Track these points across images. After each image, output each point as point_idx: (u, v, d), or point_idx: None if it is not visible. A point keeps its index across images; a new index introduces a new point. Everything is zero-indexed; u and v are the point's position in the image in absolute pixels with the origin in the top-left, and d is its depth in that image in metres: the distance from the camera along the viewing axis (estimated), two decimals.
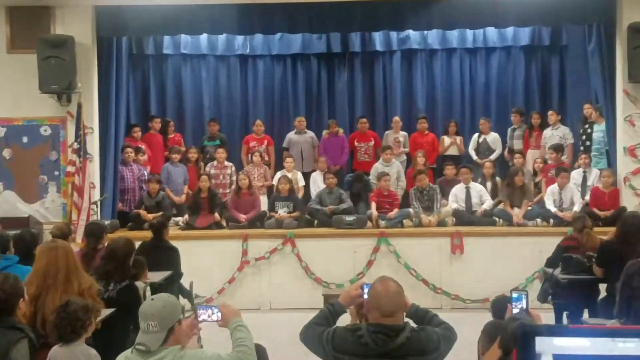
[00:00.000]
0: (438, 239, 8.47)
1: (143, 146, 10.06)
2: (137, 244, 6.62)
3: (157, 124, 10.59)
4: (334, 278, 8.38)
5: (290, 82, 11.72)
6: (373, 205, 8.99)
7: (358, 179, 9.99)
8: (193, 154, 10.31)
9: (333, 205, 9.09)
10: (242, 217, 9.02)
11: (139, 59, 11.16)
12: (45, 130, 9.00)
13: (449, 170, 9.72)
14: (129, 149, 9.57)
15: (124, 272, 5.12)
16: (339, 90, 11.67)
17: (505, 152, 10.52)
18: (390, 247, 8.41)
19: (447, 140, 10.74)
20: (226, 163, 10.20)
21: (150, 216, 8.86)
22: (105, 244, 5.69)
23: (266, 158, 10.55)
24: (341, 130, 10.84)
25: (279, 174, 9.81)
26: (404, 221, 8.97)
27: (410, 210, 9.00)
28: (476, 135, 10.68)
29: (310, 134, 10.87)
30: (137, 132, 10.20)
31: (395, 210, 8.94)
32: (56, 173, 9.00)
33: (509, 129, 10.62)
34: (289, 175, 9.71)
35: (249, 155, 10.42)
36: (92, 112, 9.00)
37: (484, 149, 10.50)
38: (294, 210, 9.05)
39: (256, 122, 10.85)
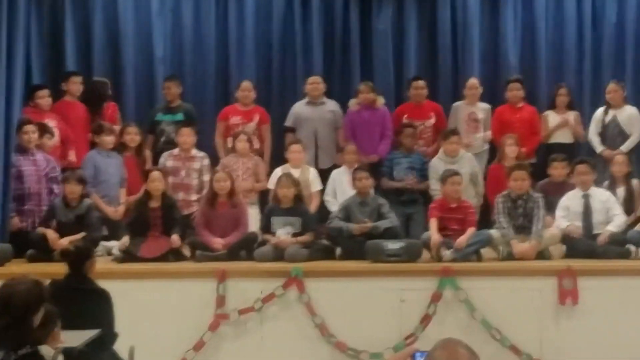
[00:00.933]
0: (537, 281, 8.41)
1: (53, 122, 10.07)
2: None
3: (75, 85, 10.62)
4: (367, 343, 8.31)
5: (299, 21, 11.78)
6: (433, 224, 8.96)
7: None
8: (132, 136, 10.33)
9: (367, 224, 9.07)
10: (218, 242, 9.01)
11: None
12: None
13: (558, 169, 9.70)
14: (29, 127, 9.55)
15: (24, 333, 5.09)
16: (379, 34, 11.71)
17: None
18: (459, 294, 8.34)
19: (554, 118, 10.77)
20: (194, 152, 10.25)
21: (65, 239, 8.78)
22: None
23: (257, 145, 10.58)
24: (381, 100, 10.85)
25: (278, 171, 9.83)
26: (483, 251, 8.94)
27: (494, 232, 8.97)
28: (600, 110, 10.68)
29: (330, 105, 10.92)
30: (44, 99, 10.21)
31: (470, 232, 8.91)
32: None
33: None
34: (296, 173, 9.72)
35: (229, 139, 10.46)
36: None
37: (613, 133, 10.52)
38: (302, 232, 9.05)
39: (242, 84, 10.92)
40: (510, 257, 8.79)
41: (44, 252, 8.90)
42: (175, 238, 9.06)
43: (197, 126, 10.64)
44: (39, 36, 11.10)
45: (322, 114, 10.80)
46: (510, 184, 9.13)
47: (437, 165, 9.96)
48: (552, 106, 10.88)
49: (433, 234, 8.87)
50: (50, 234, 9.03)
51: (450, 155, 9.97)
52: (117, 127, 10.44)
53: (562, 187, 9.47)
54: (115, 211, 9.88)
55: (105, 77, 11.12)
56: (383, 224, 9.07)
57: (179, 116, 10.73)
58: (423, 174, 10.19)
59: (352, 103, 10.79)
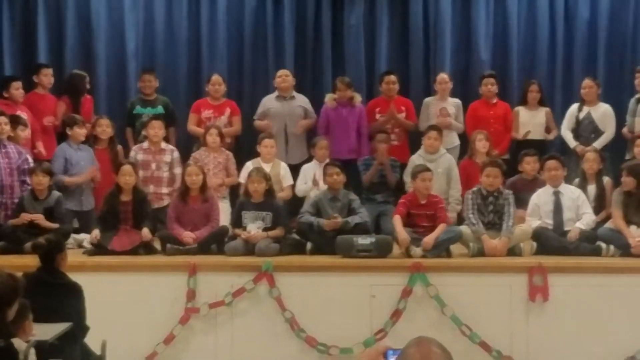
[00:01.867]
0: (508, 277, 8.45)
1: (24, 114, 10.05)
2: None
3: (47, 77, 10.63)
4: (337, 338, 8.33)
5: (271, 15, 11.80)
6: (397, 221, 8.92)
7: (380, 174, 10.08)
8: (104, 129, 10.29)
9: (337, 219, 9.10)
10: (189, 235, 9.00)
11: None
12: None
13: (529, 164, 9.75)
14: (1, 118, 9.52)
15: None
16: (350, 29, 11.74)
17: (625, 132, 10.59)
18: (429, 289, 8.36)
19: (525, 114, 10.85)
20: (163, 145, 10.26)
21: (40, 219, 8.91)
22: None
23: (229, 139, 10.57)
24: (358, 97, 10.89)
25: (249, 165, 9.83)
26: (453, 247, 8.97)
27: (464, 228, 9.01)
28: (575, 107, 10.75)
29: (300, 99, 10.96)
30: (17, 90, 10.21)
31: (440, 228, 8.93)
32: None
33: (632, 100, 10.67)
34: (267, 167, 9.73)
35: (201, 134, 10.46)
36: None
37: (586, 130, 10.60)
38: (273, 227, 9.05)
39: (212, 78, 10.93)
40: (480, 253, 8.79)
41: (15, 244, 8.87)
42: (145, 231, 9.04)
43: (176, 119, 10.77)
44: (11, 28, 11.10)
45: (292, 109, 10.84)
46: (483, 180, 9.13)
47: (416, 161, 9.95)
48: (524, 102, 10.94)
49: (400, 233, 8.81)
50: (22, 224, 9.03)
51: (429, 151, 10.00)
52: (79, 119, 10.32)
53: (533, 184, 9.51)
54: (91, 173, 9.91)
55: (77, 70, 11.05)
56: (353, 220, 9.06)
57: (159, 109, 10.77)
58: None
59: (329, 98, 10.81)
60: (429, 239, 8.72)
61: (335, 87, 10.80)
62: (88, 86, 10.90)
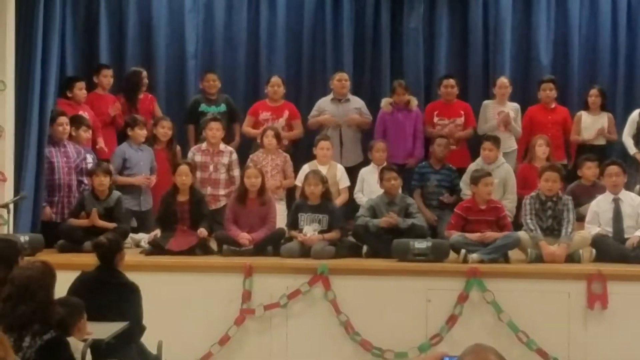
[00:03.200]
0: (566, 284, 8.40)
1: (86, 113, 10.13)
2: (72, 276, 6.60)
3: (106, 78, 10.71)
4: (392, 342, 8.33)
5: (330, 18, 11.78)
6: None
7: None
8: (166, 130, 10.38)
9: (394, 217, 9.07)
10: (246, 237, 9.03)
11: None
12: None
13: (590, 170, 9.67)
14: (62, 119, 9.63)
15: (48, 318, 5.12)
16: (409, 33, 11.69)
17: None
18: (486, 295, 8.33)
19: (587, 119, 10.71)
20: (222, 146, 10.27)
21: (98, 223, 9.04)
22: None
23: (286, 141, 10.60)
24: (415, 101, 10.84)
25: (305, 168, 9.84)
26: (511, 253, 8.91)
27: (522, 234, 8.94)
28: (636, 112, 10.59)
29: (355, 101, 10.93)
30: (81, 90, 10.29)
31: (499, 234, 8.89)
32: None
33: None
34: (323, 170, 9.73)
35: (258, 135, 10.46)
36: (4, 58, 9.13)
37: None
38: (329, 229, 9.06)
39: (271, 80, 10.93)
40: (538, 259, 8.73)
41: (74, 243, 9.00)
42: (202, 231, 9.09)
43: (239, 115, 10.86)
44: (74, 29, 11.17)
45: (347, 112, 10.79)
46: (541, 185, 9.06)
47: (471, 166, 9.97)
48: (585, 107, 10.81)
49: (454, 233, 8.89)
50: (83, 224, 9.16)
51: (485, 162, 9.92)
52: (142, 119, 10.40)
53: (593, 190, 9.43)
54: (147, 178, 10.01)
55: (135, 67, 11.17)
56: (410, 223, 9.06)
57: (222, 107, 10.82)
58: (453, 189, 10.24)
59: (385, 103, 10.75)
60: (488, 240, 8.73)
61: (393, 90, 10.76)
62: (146, 81, 10.94)
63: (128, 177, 9.99)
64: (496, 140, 10.11)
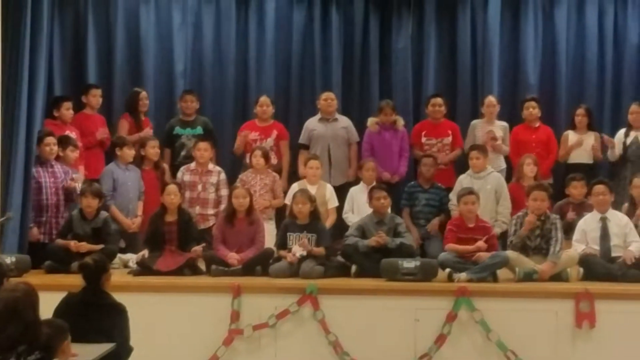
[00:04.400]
0: (554, 303, 8.38)
1: (73, 134, 10.12)
2: (59, 297, 6.57)
3: (95, 98, 10.69)
4: None
5: (318, 36, 11.85)
6: (452, 248, 8.96)
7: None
8: (156, 150, 10.37)
9: (383, 236, 9.06)
10: (234, 257, 9.02)
11: None
12: None
13: (576, 189, 9.70)
14: (50, 139, 9.62)
15: (34, 337, 5.09)
16: (398, 52, 11.75)
17: None
18: (475, 314, 8.32)
19: (573, 138, 10.76)
20: (210, 166, 10.28)
21: (84, 248, 8.95)
22: None
23: (274, 160, 10.61)
24: (401, 121, 10.86)
25: (295, 187, 9.85)
26: (499, 272, 8.90)
27: (510, 253, 8.93)
28: (622, 131, 10.69)
29: (343, 121, 10.95)
30: (68, 110, 10.27)
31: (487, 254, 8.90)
32: None
33: None
34: (312, 189, 9.74)
35: (247, 154, 10.49)
36: None
37: (635, 155, 10.50)
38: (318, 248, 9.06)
39: (260, 99, 10.93)
40: (528, 278, 8.72)
41: (62, 264, 8.97)
42: (197, 248, 9.08)
43: (215, 139, 10.73)
44: (61, 48, 11.17)
45: (335, 131, 10.82)
46: (529, 204, 9.06)
47: (463, 182, 9.98)
48: (572, 126, 10.86)
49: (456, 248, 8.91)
50: (71, 245, 9.06)
51: (474, 170, 10.01)
52: (129, 140, 10.39)
53: (580, 209, 9.45)
54: (133, 223, 9.96)
55: (126, 90, 11.19)
56: (398, 242, 9.06)
57: (198, 130, 10.79)
58: (442, 208, 10.28)
59: (371, 122, 10.78)
60: (482, 255, 8.78)
61: (381, 109, 10.78)
62: (146, 102, 10.94)
63: (117, 196, 9.98)
64: (483, 149, 10.18)
